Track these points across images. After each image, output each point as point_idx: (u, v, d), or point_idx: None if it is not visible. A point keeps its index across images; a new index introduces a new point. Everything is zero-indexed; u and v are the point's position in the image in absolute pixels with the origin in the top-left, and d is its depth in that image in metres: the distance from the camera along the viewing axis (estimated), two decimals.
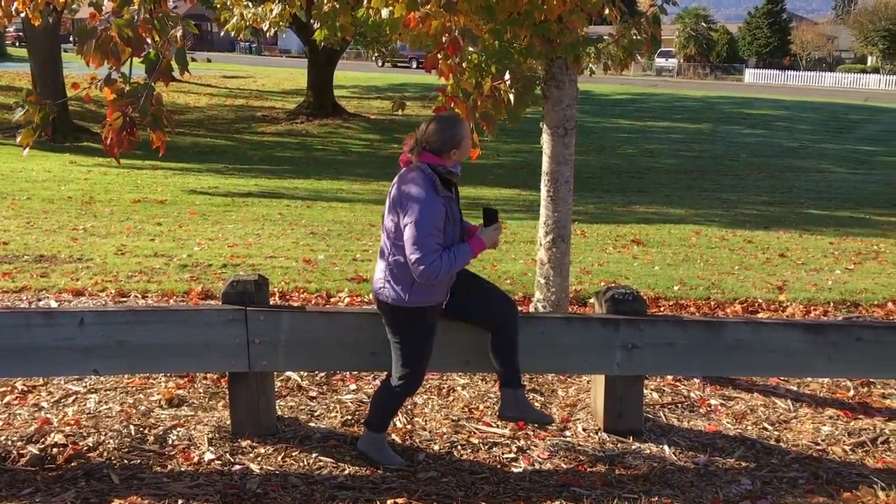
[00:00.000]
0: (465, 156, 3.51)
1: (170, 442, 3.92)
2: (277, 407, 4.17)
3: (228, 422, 4.01)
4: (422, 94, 28.24)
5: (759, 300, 6.58)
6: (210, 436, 3.96)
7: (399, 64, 44.01)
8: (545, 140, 4.86)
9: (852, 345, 4.01)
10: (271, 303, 4.29)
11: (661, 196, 13.04)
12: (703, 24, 54.76)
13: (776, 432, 4.25)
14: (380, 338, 3.73)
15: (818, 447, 4.09)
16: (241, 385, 3.87)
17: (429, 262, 3.30)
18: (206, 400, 4.40)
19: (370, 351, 3.79)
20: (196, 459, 3.76)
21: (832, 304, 6.67)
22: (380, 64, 43.89)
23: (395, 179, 3.49)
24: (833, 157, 18.71)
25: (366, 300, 6.19)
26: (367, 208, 10.62)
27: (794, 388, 4.81)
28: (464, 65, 3.99)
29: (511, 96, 3.93)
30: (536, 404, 4.40)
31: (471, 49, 3.99)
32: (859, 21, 50.02)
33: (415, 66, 45.43)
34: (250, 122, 21.45)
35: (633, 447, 4.02)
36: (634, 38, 5.01)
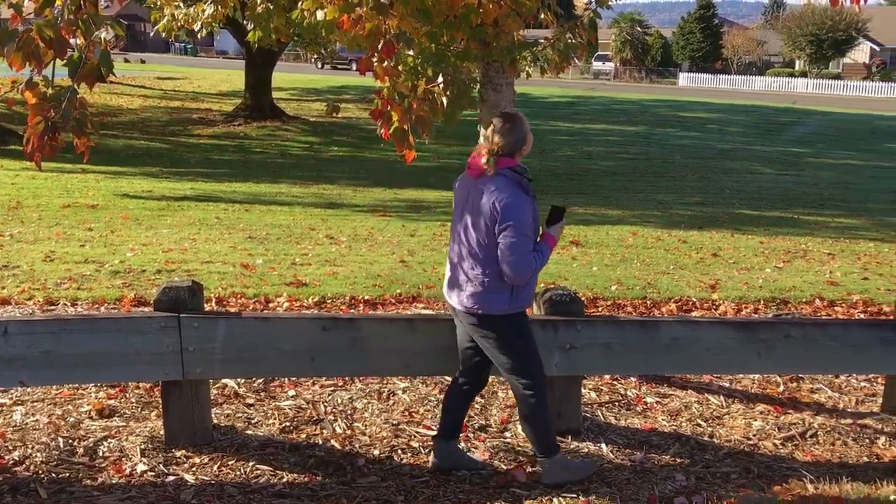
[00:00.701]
0: (529, 149, 3.54)
1: (100, 454, 3.81)
2: (213, 415, 4.09)
3: (162, 432, 3.92)
4: (362, 95, 28.16)
5: (693, 299, 6.73)
6: (143, 447, 3.86)
7: (339, 66, 43.74)
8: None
9: (781, 342, 4.13)
10: (207, 309, 4.21)
11: (599, 198, 13.21)
12: (639, 28, 55.82)
13: (709, 428, 4.35)
14: (318, 342, 3.70)
15: (749, 442, 4.19)
16: (175, 394, 3.78)
17: (529, 262, 3.38)
18: (139, 410, 4.29)
19: (309, 356, 3.75)
20: (128, 471, 3.66)
21: (762, 302, 6.86)
22: (319, 66, 43.58)
23: (471, 190, 3.47)
24: (763, 158, 19.23)
25: (305, 304, 6.13)
26: (307, 211, 10.51)
27: (727, 385, 4.92)
28: (399, 67, 3.97)
29: (445, 99, 3.93)
30: (477, 406, 4.42)
31: (408, 52, 3.98)
32: (787, 26, 51.65)
33: (354, 67, 45.24)
34: (186, 124, 21.02)
35: (573, 446, 4.06)
36: (570, 41, 5.09)
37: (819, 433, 4.30)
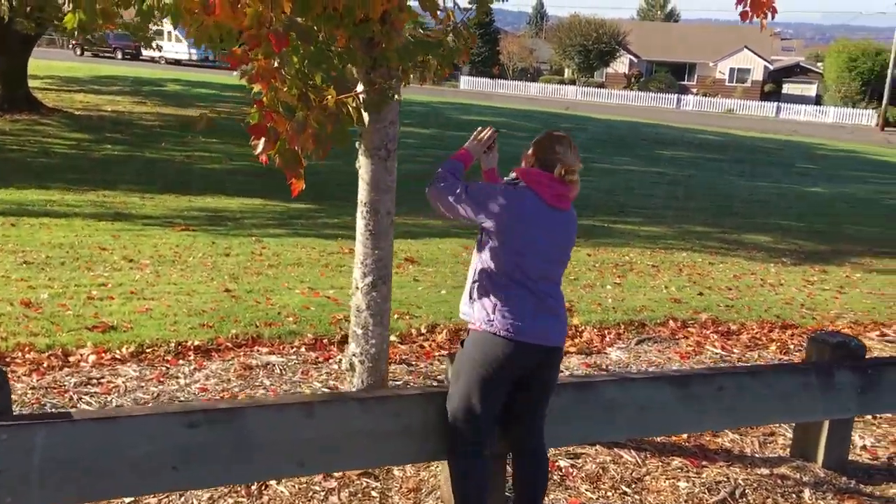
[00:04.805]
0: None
1: None
2: None
3: None
4: (133, 88, 25.69)
5: None
6: None
7: (102, 53, 39.91)
8: (363, 164, 4.02)
9: (714, 395, 3.69)
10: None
11: (409, 205, 12.61)
12: (421, 31, 56.28)
13: (637, 496, 3.82)
14: (184, 444, 2.69)
15: None
16: None
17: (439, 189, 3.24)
18: None
19: (170, 465, 2.71)
20: None
21: (622, 326, 6.57)
22: (78, 52, 39.56)
23: (566, 220, 3.09)
24: None
25: (117, 356, 4.90)
26: (91, 225, 8.90)
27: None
28: (283, 70, 3.04)
29: (364, 113, 3.06)
30: (374, 494, 3.57)
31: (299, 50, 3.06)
32: (557, 36, 54.54)
33: (120, 56, 41.61)
34: None
35: None
36: (453, 45, 4.37)
37: (747, 491, 3.92)
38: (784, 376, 3.89)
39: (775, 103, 50.96)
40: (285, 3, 2.73)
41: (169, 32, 42.00)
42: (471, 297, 3.13)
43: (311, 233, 9.61)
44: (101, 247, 7.80)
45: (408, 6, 3.74)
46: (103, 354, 4.89)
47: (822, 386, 3.93)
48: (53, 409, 4.14)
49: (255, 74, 2.85)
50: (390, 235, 4.15)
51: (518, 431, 3.19)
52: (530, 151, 3.21)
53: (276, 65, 2.96)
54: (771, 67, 57.30)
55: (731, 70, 57.10)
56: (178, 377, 4.69)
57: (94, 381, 4.54)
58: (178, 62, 43.30)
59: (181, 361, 4.92)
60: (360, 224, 4.09)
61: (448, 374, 3.31)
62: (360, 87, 3.05)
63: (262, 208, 11.29)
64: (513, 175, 3.20)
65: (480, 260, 3.12)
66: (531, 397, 3.14)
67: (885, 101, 44.35)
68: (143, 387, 4.50)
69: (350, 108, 3.01)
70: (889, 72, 44.18)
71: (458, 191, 3.07)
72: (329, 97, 2.85)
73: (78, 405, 4.21)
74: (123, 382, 4.54)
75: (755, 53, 56.41)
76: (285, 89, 3.02)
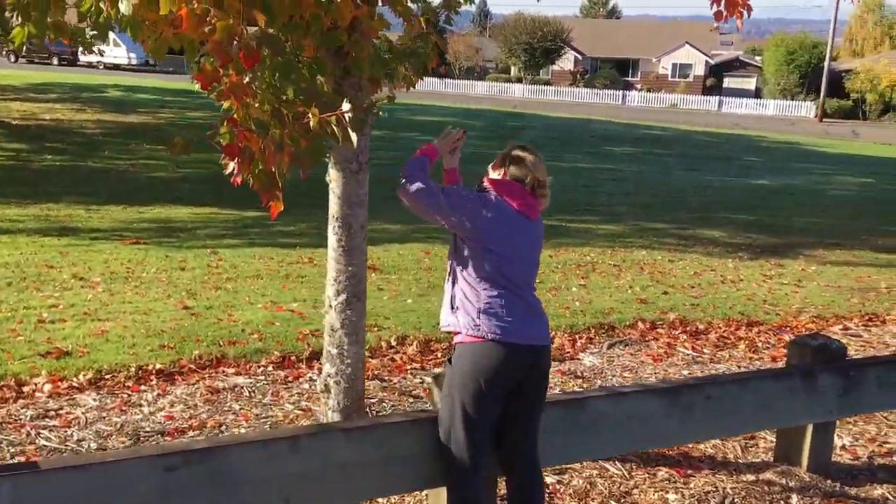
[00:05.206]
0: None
1: None
2: None
3: None
4: (72, 95, 24.92)
5: None
6: None
7: (36, 60, 38.72)
8: (334, 177, 3.87)
9: (703, 404, 3.63)
10: None
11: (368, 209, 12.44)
12: (387, 38, 55.92)
13: None
14: (161, 488, 2.51)
15: None
16: None
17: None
18: None
19: None
20: None
21: (592, 330, 6.52)
22: (12, 59, 38.31)
23: (535, 226, 3.11)
24: None
25: (75, 384, 4.65)
26: (37, 242, 8.51)
27: None
28: (255, 85, 2.86)
29: (350, 131, 2.90)
30: None
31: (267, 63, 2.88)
32: (503, 34, 54.67)
33: (56, 62, 40.45)
34: None
35: None
36: (421, 50, 4.24)
37: (736, 500, 3.87)
38: (768, 382, 3.85)
39: (717, 97, 51.90)
40: (258, 16, 2.55)
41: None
42: (453, 307, 3.02)
43: (268, 242, 9.36)
44: (49, 264, 7.47)
45: (378, 14, 3.59)
46: (59, 383, 4.64)
47: (806, 389, 3.91)
48: (10, 446, 3.90)
49: (226, 90, 2.67)
50: (364, 251, 4.01)
51: (512, 448, 3.08)
52: (498, 161, 3.15)
53: (247, 80, 2.79)
54: (712, 62, 58.34)
55: (674, 65, 57.99)
56: (141, 405, 4.47)
57: (52, 412, 4.29)
58: (117, 67, 42.21)
59: (143, 387, 4.69)
60: (332, 240, 3.94)
61: (435, 396, 3.18)
62: (346, 106, 2.88)
63: (214, 217, 10.98)
64: (484, 184, 3.14)
65: (460, 267, 3.04)
66: (525, 405, 3.04)
67: (822, 93, 45.51)
68: (104, 417, 4.27)
69: (335, 128, 2.84)
70: (826, 64, 45.34)
71: (436, 195, 2.99)
72: (312, 116, 2.68)
73: (37, 441, 3.96)
74: (83, 413, 4.30)
75: (696, 49, 57.37)
76: (256, 105, 2.85)
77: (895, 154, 28.59)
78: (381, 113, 3.34)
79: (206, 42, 2.91)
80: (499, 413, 3.00)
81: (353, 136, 2.83)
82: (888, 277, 9.49)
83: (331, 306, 3.99)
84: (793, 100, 51.11)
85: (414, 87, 4.31)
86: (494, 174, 3.15)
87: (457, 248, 3.07)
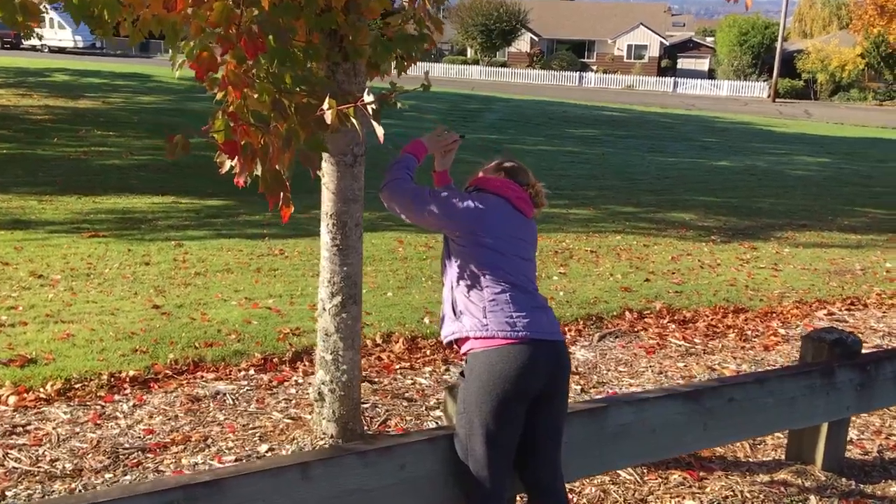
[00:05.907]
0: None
1: None
2: None
3: None
4: (17, 79, 23.94)
5: None
6: None
7: None
8: (327, 171, 3.59)
9: (725, 407, 3.46)
10: None
11: None
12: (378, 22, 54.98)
13: None
14: None
15: None
16: None
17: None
18: None
19: None
20: None
21: (581, 322, 6.34)
22: None
23: (531, 224, 2.98)
24: (469, 148, 19.41)
25: (42, 395, 4.30)
26: None
27: None
28: (253, 73, 2.56)
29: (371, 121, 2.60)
30: None
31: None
32: (459, 15, 54.16)
33: (0, 45, 39.00)
34: None
35: None
36: (416, 33, 3.96)
37: (755, 502, 3.72)
38: (788, 381, 3.68)
39: (672, 78, 52.30)
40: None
41: (51, 19, 39.51)
42: (455, 312, 2.79)
43: (234, 232, 8.99)
44: (3, 261, 7.02)
45: None
46: (25, 395, 4.28)
47: (826, 387, 3.76)
48: None
49: (224, 80, 2.38)
50: (360, 250, 3.74)
51: (535, 466, 2.85)
52: (492, 169, 3.03)
53: (247, 66, 2.49)
54: (666, 43, 58.72)
55: (629, 46, 58.22)
56: (116, 417, 4.14)
57: (20, 429, 3.94)
58: (62, 50, 40.85)
59: (117, 397, 4.36)
60: (326, 239, 3.66)
61: (449, 409, 2.94)
62: (368, 98, 2.60)
63: (174, 207, 10.53)
64: (477, 185, 2.98)
65: (458, 269, 2.83)
66: (551, 412, 2.80)
67: (775, 74, 46.12)
68: (78, 433, 3.93)
69: (354, 121, 2.55)
70: (778, 45, 45.92)
71: (424, 198, 2.81)
72: (329, 108, 2.39)
73: (5, 463, 3.62)
74: (54, 429, 3.96)
75: (650, 30, 57.67)
76: (255, 96, 2.55)
77: (847, 133, 29.05)
78: (398, 105, 3.03)
79: (190, 26, 2.61)
80: (521, 429, 2.76)
81: (379, 130, 2.54)
82: (861, 259, 9.51)
83: (325, 309, 3.72)
84: (746, 80, 51.73)
85: (406, 73, 4.01)
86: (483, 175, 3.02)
87: (451, 251, 2.86)
